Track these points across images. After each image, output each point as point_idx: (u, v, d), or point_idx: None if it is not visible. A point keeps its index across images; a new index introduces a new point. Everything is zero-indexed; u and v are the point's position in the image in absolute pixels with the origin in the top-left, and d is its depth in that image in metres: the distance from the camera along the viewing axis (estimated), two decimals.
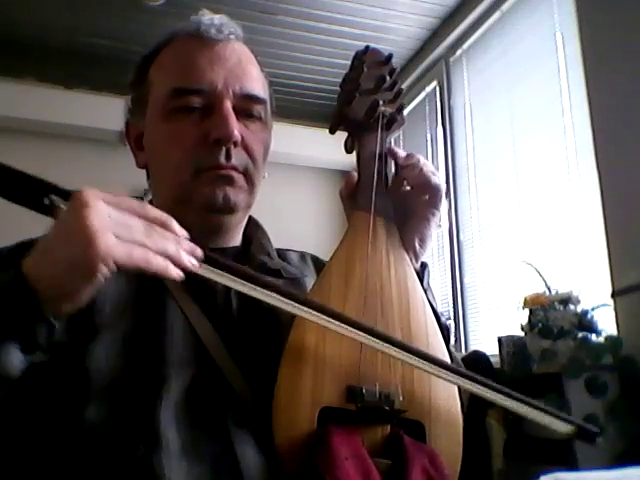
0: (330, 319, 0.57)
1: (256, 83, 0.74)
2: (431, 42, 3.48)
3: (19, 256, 0.64)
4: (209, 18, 0.74)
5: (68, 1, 3.14)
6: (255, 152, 0.72)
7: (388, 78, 0.76)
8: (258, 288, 0.55)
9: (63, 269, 0.48)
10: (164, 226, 0.51)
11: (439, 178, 0.73)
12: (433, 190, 0.72)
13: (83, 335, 0.59)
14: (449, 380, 0.62)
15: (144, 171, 0.79)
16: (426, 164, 0.72)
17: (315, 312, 0.57)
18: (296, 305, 0.56)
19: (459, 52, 3.32)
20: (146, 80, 0.75)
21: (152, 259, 0.49)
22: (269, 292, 0.55)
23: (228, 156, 0.69)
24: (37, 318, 0.49)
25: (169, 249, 0.50)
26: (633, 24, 2.14)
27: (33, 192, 0.52)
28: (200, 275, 0.53)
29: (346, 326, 0.57)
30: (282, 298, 0.56)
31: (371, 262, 0.66)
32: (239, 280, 0.54)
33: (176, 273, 0.51)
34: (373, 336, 0.58)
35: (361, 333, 0.58)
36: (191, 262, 0.52)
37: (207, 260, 0.53)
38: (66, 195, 0.51)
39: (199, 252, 0.53)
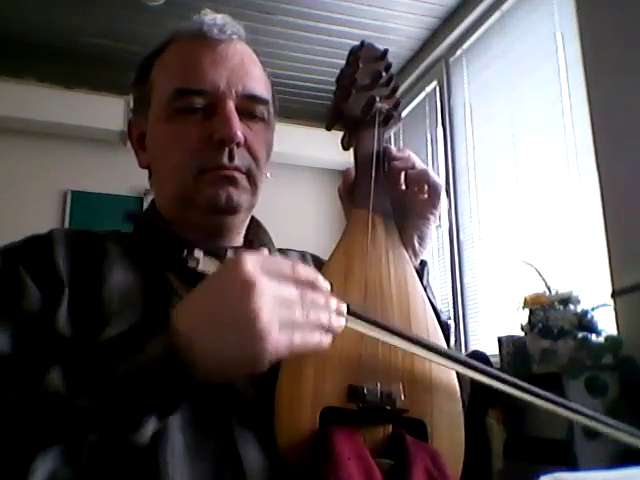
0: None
1: (259, 83, 0.74)
2: (431, 42, 3.48)
3: (33, 252, 0.64)
4: (212, 18, 0.74)
5: (68, 1, 3.14)
6: (258, 153, 0.72)
7: (384, 74, 0.76)
8: (396, 337, 0.58)
9: (228, 360, 0.49)
10: (314, 287, 0.53)
11: (437, 177, 0.73)
12: (432, 189, 0.72)
13: (91, 327, 0.59)
14: (452, 368, 0.63)
15: (144, 171, 0.79)
16: (421, 163, 0.73)
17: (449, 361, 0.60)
18: (432, 355, 0.60)
19: (459, 52, 3.32)
20: (148, 80, 0.75)
21: (309, 340, 0.51)
22: (407, 342, 0.59)
23: (231, 157, 0.69)
24: (189, 395, 0.50)
25: (323, 321, 0.52)
26: (633, 24, 2.14)
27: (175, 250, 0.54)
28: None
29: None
30: (422, 350, 0.59)
31: (370, 260, 0.66)
32: (377, 330, 0.58)
33: (328, 342, 0.53)
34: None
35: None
36: (340, 324, 0.54)
37: (350, 314, 0.56)
38: (208, 251, 0.53)
39: (344, 309, 0.55)
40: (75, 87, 3.69)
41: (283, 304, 0.50)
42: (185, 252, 0.53)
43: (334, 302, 0.54)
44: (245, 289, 0.48)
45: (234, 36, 0.74)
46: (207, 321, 0.49)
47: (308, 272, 0.53)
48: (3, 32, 3.37)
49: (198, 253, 0.53)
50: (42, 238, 0.67)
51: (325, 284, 0.54)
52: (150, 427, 0.49)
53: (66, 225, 3.67)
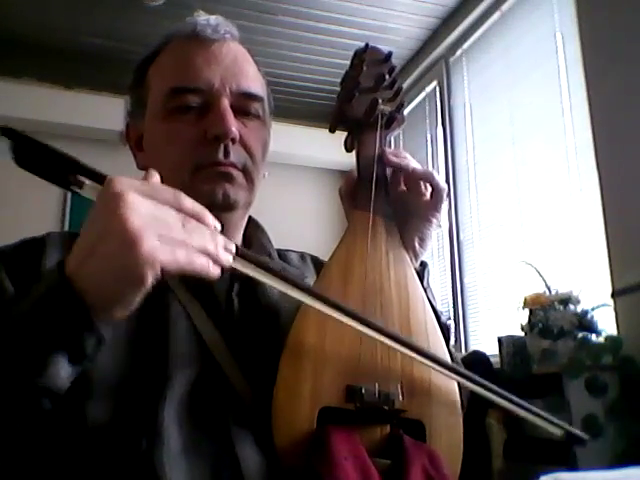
0: (349, 317, 0.58)
1: (253, 81, 0.74)
2: (431, 42, 3.48)
3: (23, 255, 0.65)
4: (205, 19, 0.74)
5: (68, 1, 3.14)
6: (254, 149, 0.73)
7: (387, 76, 0.76)
8: (284, 282, 0.56)
9: (109, 276, 0.47)
10: (199, 219, 0.50)
11: (441, 179, 0.73)
12: (435, 190, 0.72)
13: None
14: (448, 376, 0.62)
15: (144, 172, 0.79)
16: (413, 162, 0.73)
17: (336, 310, 0.57)
18: (318, 301, 0.57)
19: (459, 52, 3.32)
20: (144, 82, 0.75)
21: (195, 259, 0.48)
22: (293, 287, 0.56)
23: (226, 153, 0.69)
24: (86, 328, 0.48)
25: (208, 247, 0.49)
26: (633, 24, 2.14)
27: (56, 166, 0.51)
28: (232, 269, 0.53)
29: (362, 325, 0.58)
30: (305, 293, 0.57)
31: (370, 262, 0.66)
32: (267, 274, 0.55)
33: (216, 272, 0.50)
34: (386, 336, 0.59)
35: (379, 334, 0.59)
36: (228, 259, 0.51)
37: (238, 254, 0.53)
38: (93, 175, 0.50)
39: (232, 246, 0.52)
40: (75, 87, 3.70)
41: (159, 220, 0.47)
42: (70, 177, 0.51)
43: (221, 237, 0.51)
44: (113, 201, 0.46)
45: (227, 35, 0.74)
46: (84, 245, 0.48)
47: (194, 204, 0.51)
48: (3, 32, 3.37)
49: (83, 178, 0.51)
50: (36, 242, 0.67)
51: (214, 222, 0.51)
52: (62, 370, 0.48)
53: (66, 225, 3.68)
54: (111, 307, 0.48)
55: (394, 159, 0.72)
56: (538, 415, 0.65)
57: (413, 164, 0.73)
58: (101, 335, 0.49)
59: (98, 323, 0.48)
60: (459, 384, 0.65)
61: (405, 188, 0.74)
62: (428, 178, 0.72)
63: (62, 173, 0.51)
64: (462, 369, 0.63)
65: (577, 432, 0.66)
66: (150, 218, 0.46)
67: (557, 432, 0.65)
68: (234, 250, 0.52)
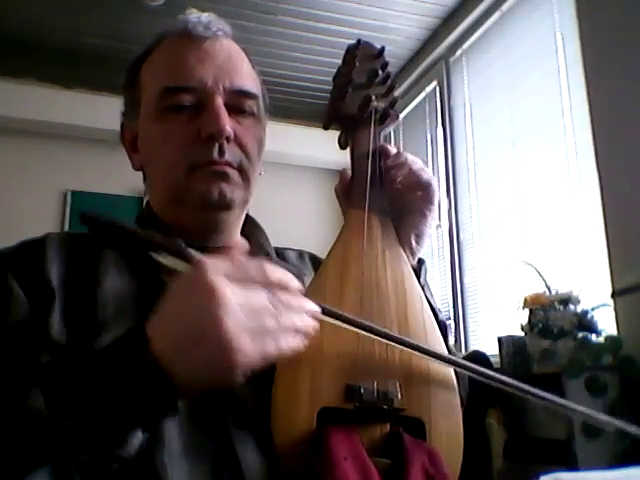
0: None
1: (247, 79, 0.74)
2: (431, 42, 3.48)
3: (25, 258, 0.64)
4: (196, 16, 0.74)
5: (68, 1, 3.14)
6: (249, 147, 0.72)
7: (380, 72, 0.75)
8: (372, 335, 0.58)
9: (201, 374, 0.48)
10: (284, 288, 0.51)
11: (428, 173, 0.72)
12: (424, 187, 0.72)
13: (87, 332, 0.59)
14: (451, 367, 0.63)
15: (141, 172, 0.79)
16: (414, 161, 0.72)
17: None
18: (412, 349, 0.60)
19: (459, 52, 3.32)
20: (138, 82, 0.75)
21: (283, 345, 0.50)
22: (383, 339, 0.58)
23: (221, 152, 0.69)
24: (171, 410, 0.49)
25: (297, 323, 0.51)
26: (633, 24, 2.14)
27: (136, 245, 0.53)
28: None
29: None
30: (396, 344, 0.59)
31: (367, 260, 0.66)
32: (352, 328, 0.57)
33: (303, 344, 0.52)
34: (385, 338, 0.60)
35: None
36: (314, 327, 0.53)
37: (324, 313, 0.55)
38: (173, 252, 0.52)
39: (318, 309, 0.54)
40: (75, 87, 3.70)
41: (251, 311, 0.48)
42: (153, 254, 0.52)
43: (307, 303, 0.53)
44: (208, 300, 0.47)
45: (220, 33, 0.74)
46: (175, 334, 0.49)
47: (278, 273, 0.52)
48: (3, 32, 3.37)
49: (160, 254, 0.53)
50: (35, 243, 0.67)
51: (297, 284, 0.53)
52: (136, 440, 0.49)
53: (66, 225, 3.68)
54: (195, 394, 0.50)
55: (392, 152, 0.71)
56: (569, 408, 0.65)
57: (408, 159, 0.71)
58: (178, 411, 0.50)
59: (179, 402, 0.50)
60: (458, 383, 0.65)
61: (400, 185, 0.73)
62: (417, 174, 0.71)
63: (141, 249, 0.54)
64: (466, 362, 0.62)
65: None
66: (244, 315, 0.48)
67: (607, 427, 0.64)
68: (320, 312, 0.54)
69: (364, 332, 0.58)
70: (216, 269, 0.48)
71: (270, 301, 0.50)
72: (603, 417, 0.63)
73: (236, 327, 0.46)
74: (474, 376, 0.61)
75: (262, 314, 0.49)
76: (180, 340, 0.48)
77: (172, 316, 0.49)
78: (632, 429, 0.62)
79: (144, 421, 0.49)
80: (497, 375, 0.61)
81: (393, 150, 0.73)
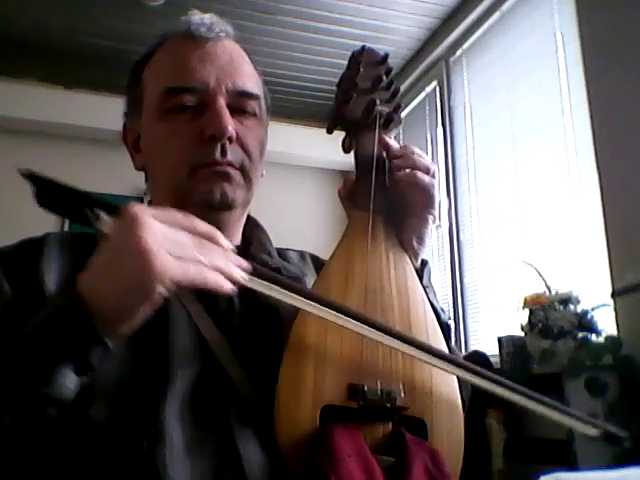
0: (369, 327, 0.58)
1: (249, 79, 0.74)
2: (431, 42, 3.48)
3: (22, 256, 0.65)
4: (199, 18, 0.74)
5: (68, 1, 3.14)
6: (251, 148, 0.72)
7: (384, 78, 0.76)
8: (301, 298, 0.57)
9: (120, 290, 0.49)
10: (212, 240, 0.52)
11: (428, 178, 0.71)
12: (422, 189, 0.71)
13: None
14: (456, 374, 0.62)
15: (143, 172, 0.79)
16: (421, 156, 0.72)
17: (355, 321, 0.58)
18: (336, 315, 0.58)
19: (459, 52, 3.32)
20: (140, 83, 0.75)
21: (207, 274, 0.50)
22: (311, 302, 0.57)
23: (223, 152, 0.69)
24: (92, 340, 0.49)
25: (220, 264, 0.51)
26: (633, 24, 2.14)
27: (75, 204, 0.53)
28: (248, 287, 0.54)
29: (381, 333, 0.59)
30: (322, 307, 0.58)
31: (371, 261, 0.66)
32: (283, 291, 0.56)
33: (229, 287, 0.52)
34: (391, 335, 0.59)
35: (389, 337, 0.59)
36: (241, 276, 0.53)
37: (254, 272, 0.54)
38: (110, 209, 0.52)
39: (246, 264, 0.54)
40: (75, 87, 3.70)
41: (175, 242, 0.49)
42: (88, 211, 0.53)
43: (234, 256, 0.53)
44: (130, 223, 0.48)
45: (222, 34, 0.74)
46: (99, 265, 0.51)
47: (208, 227, 0.53)
48: (3, 32, 3.37)
49: (101, 212, 0.53)
50: (35, 242, 0.67)
51: (226, 242, 0.53)
52: (68, 380, 0.49)
53: (66, 226, 3.68)
54: (119, 321, 0.50)
55: (401, 162, 0.71)
56: (569, 414, 0.64)
57: (419, 161, 0.71)
58: (107, 347, 0.50)
59: (105, 336, 0.49)
60: (459, 382, 0.66)
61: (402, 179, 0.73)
62: (411, 178, 0.70)
63: (81, 210, 0.54)
64: (469, 364, 0.62)
65: (613, 430, 0.65)
66: (164, 238, 0.49)
67: (592, 432, 0.65)
68: (248, 267, 0.54)
69: (295, 296, 0.56)
70: (143, 208, 0.50)
71: (193, 242, 0.51)
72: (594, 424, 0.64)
73: (156, 242, 0.48)
74: (468, 376, 0.61)
75: (184, 246, 0.50)
76: (101, 265, 0.50)
77: (100, 252, 0.51)
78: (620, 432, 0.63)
79: (70, 356, 0.49)
80: (494, 376, 0.61)
81: (396, 144, 0.73)
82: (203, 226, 0.52)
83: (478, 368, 0.62)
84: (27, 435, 0.49)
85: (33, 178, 0.53)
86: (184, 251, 0.49)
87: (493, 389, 0.61)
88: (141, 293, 0.48)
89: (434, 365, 0.61)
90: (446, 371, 0.63)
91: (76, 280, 0.51)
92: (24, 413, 0.48)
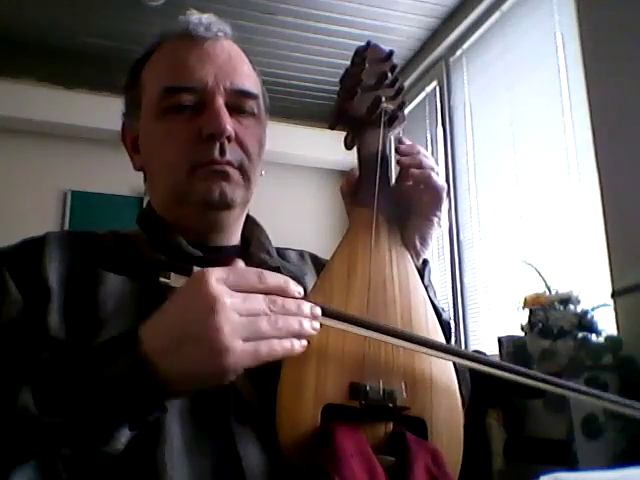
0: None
1: (247, 79, 0.74)
2: (431, 42, 3.48)
3: (23, 256, 0.65)
4: (197, 17, 0.74)
5: (68, 1, 3.14)
6: (249, 147, 0.72)
7: (389, 75, 0.76)
8: (374, 333, 0.58)
9: (192, 374, 0.49)
10: (283, 292, 0.53)
11: (441, 179, 0.72)
12: (434, 190, 0.71)
13: (86, 331, 0.59)
14: (459, 362, 0.63)
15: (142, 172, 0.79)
16: (427, 156, 0.72)
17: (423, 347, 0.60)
18: (416, 346, 0.59)
19: (459, 52, 3.33)
20: (139, 83, 0.75)
21: (277, 348, 0.51)
22: (386, 336, 0.58)
23: (222, 151, 0.69)
24: (158, 408, 0.50)
25: (294, 327, 0.52)
26: (633, 24, 2.14)
27: (146, 270, 0.54)
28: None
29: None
30: (399, 341, 0.59)
31: (373, 259, 0.66)
32: (354, 327, 0.57)
33: (301, 347, 0.53)
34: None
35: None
36: (313, 327, 0.54)
37: (324, 314, 0.55)
38: (178, 270, 0.53)
39: (318, 311, 0.54)
40: (75, 87, 3.69)
41: (248, 316, 0.50)
42: (159, 274, 0.53)
43: (307, 306, 0.54)
44: (207, 305, 0.48)
45: (220, 34, 0.74)
46: (170, 336, 0.50)
47: (277, 279, 0.53)
48: (3, 32, 3.37)
49: (166, 274, 0.54)
50: (35, 242, 0.67)
51: (297, 288, 0.54)
52: (123, 437, 0.49)
53: (66, 225, 3.68)
54: (183, 394, 0.52)
55: (407, 160, 0.71)
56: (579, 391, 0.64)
57: (425, 160, 0.71)
58: (166, 409, 0.51)
59: (167, 401, 0.51)
60: (459, 380, 0.65)
61: (408, 186, 0.73)
62: (426, 179, 0.71)
63: (147, 272, 0.55)
64: (473, 354, 0.62)
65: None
66: (240, 320, 0.49)
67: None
68: (320, 312, 0.55)
69: (367, 332, 0.58)
70: (217, 277, 0.50)
71: (267, 306, 0.51)
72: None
73: (232, 333, 0.48)
74: (475, 366, 0.61)
75: (258, 319, 0.50)
76: (173, 340, 0.49)
77: (169, 318, 0.50)
78: None
79: (130, 418, 0.49)
80: (500, 362, 0.61)
81: (406, 141, 0.73)
82: (274, 281, 0.53)
83: (482, 356, 0.61)
84: None
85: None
86: (258, 330, 0.50)
87: (498, 373, 0.61)
88: (210, 380, 0.50)
89: (440, 357, 0.61)
90: (452, 361, 0.63)
91: (138, 337, 0.50)
92: (80, 464, 0.48)
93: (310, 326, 0.53)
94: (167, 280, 0.53)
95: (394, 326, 0.62)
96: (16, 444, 0.47)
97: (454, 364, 0.67)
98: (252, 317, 0.50)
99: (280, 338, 0.51)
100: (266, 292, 0.52)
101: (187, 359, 0.48)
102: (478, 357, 0.61)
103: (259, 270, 0.53)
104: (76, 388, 0.49)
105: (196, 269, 0.52)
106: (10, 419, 0.47)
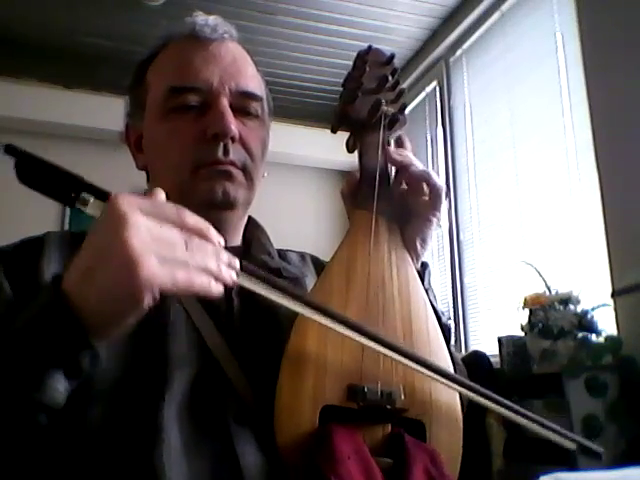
0: (359, 333, 0.58)
1: (251, 81, 0.74)
2: (431, 42, 3.48)
3: (22, 255, 0.65)
4: (203, 19, 0.75)
5: (68, 1, 3.14)
6: (253, 148, 0.73)
7: (390, 78, 0.76)
8: (290, 299, 0.55)
9: (107, 296, 0.47)
10: (202, 235, 0.50)
11: (438, 178, 0.72)
12: (432, 190, 0.72)
13: None
14: (450, 387, 0.62)
15: (144, 172, 0.80)
16: (414, 160, 0.73)
17: (342, 325, 0.57)
18: (324, 317, 0.57)
19: (459, 52, 3.33)
20: (144, 82, 0.76)
21: (195, 280, 0.48)
22: (300, 303, 0.56)
23: (226, 151, 0.70)
24: (82, 345, 0.48)
25: (210, 265, 0.49)
26: (633, 24, 2.14)
27: (62, 185, 0.51)
28: (236, 286, 0.53)
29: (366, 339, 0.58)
30: (312, 310, 0.56)
31: (373, 261, 0.66)
32: (272, 289, 0.55)
33: (217, 290, 0.49)
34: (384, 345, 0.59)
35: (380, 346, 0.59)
36: (231, 276, 0.51)
37: (243, 270, 0.53)
38: (96, 192, 0.51)
39: (236, 263, 0.52)
40: (75, 87, 3.69)
41: (161, 241, 0.47)
42: (74, 194, 0.51)
43: (225, 254, 0.51)
44: (115, 221, 0.46)
45: (226, 35, 0.75)
46: (82, 264, 0.48)
47: (198, 220, 0.50)
48: (3, 32, 3.37)
49: (87, 195, 0.51)
50: (35, 242, 0.67)
51: (217, 237, 0.51)
52: (59, 384, 0.48)
53: (66, 226, 3.68)
54: (107, 326, 0.48)
55: (397, 157, 0.72)
56: (549, 428, 0.64)
57: (414, 163, 0.72)
58: (97, 352, 0.48)
59: (94, 340, 0.48)
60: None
61: (406, 188, 0.74)
62: (425, 178, 0.71)
63: (66, 190, 0.52)
64: (464, 380, 0.62)
65: (591, 445, 0.65)
66: (152, 239, 0.46)
67: (571, 446, 0.64)
68: (238, 266, 0.52)
69: (284, 296, 0.55)
70: (129, 199, 0.48)
71: (183, 239, 0.48)
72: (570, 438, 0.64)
73: (142, 247, 0.45)
74: (469, 393, 0.61)
75: (173, 245, 0.47)
76: (84, 266, 0.48)
77: (83, 250, 0.49)
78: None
79: (59, 361, 0.47)
80: (485, 391, 0.61)
81: (409, 145, 0.74)
82: (193, 220, 0.50)
83: (472, 384, 0.62)
84: (20, 441, 0.48)
85: (13, 151, 0.52)
86: (173, 253, 0.47)
87: (485, 404, 0.61)
88: (127, 301, 0.46)
89: (433, 379, 0.61)
90: (445, 385, 0.62)
91: (61, 277, 0.49)
92: (15, 419, 0.47)
93: (228, 274, 0.50)
94: (83, 207, 0.51)
95: (395, 332, 0.62)
96: None
97: (453, 364, 0.67)
98: (166, 242, 0.47)
99: (197, 271, 0.48)
100: (183, 227, 0.49)
101: (100, 282, 0.46)
102: (466, 383, 0.61)
103: (178, 206, 0.50)
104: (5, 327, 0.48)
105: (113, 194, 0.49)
106: None
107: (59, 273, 0.50)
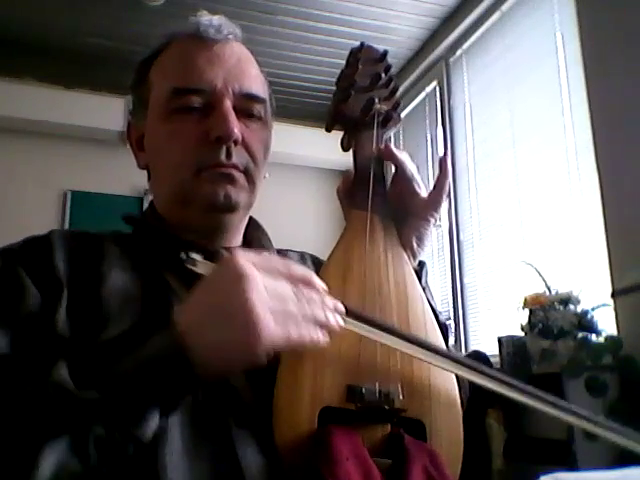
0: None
1: (255, 83, 0.74)
2: (431, 42, 3.48)
3: (32, 253, 0.64)
4: (208, 19, 0.74)
5: (68, 1, 3.14)
6: (256, 151, 0.72)
7: (383, 75, 0.76)
8: (399, 340, 0.59)
9: (223, 349, 0.50)
10: (308, 284, 0.54)
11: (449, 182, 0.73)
12: (439, 191, 0.72)
13: (90, 328, 0.59)
14: (460, 373, 0.63)
15: (144, 171, 0.79)
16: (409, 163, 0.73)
17: (454, 363, 0.60)
18: (439, 358, 0.60)
19: (459, 52, 3.33)
20: (146, 81, 0.75)
21: (305, 333, 0.51)
22: (411, 345, 0.59)
23: (229, 154, 0.69)
24: (191, 390, 0.50)
25: (319, 316, 0.53)
26: (633, 24, 2.14)
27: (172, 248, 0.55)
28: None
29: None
30: (423, 350, 0.59)
31: (369, 261, 0.66)
32: (379, 332, 0.58)
33: (325, 340, 0.53)
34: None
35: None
36: (337, 322, 0.54)
37: (348, 314, 0.56)
38: (205, 252, 0.54)
39: (341, 307, 0.55)
40: (75, 87, 3.70)
41: (276, 296, 0.51)
42: (183, 254, 0.54)
43: (329, 300, 0.54)
44: (237, 281, 0.49)
45: (230, 36, 0.74)
46: (203, 315, 0.51)
47: (303, 270, 0.54)
48: (3, 32, 3.37)
49: (196, 255, 0.54)
50: (41, 239, 0.67)
51: (321, 283, 0.55)
52: (153, 423, 0.49)
53: (66, 225, 3.68)
54: (214, 374, 0.51)
55: (394, 151, 0.72)
56: (568, 410, 0.64)
57: (409, 160, 0.72)
58: (198, 391, 0.52)
59: (198, 383, 0.51)
60: (458, 382, 0.65)
61: (404, 186, 0.74)
62: (417, 180, 0.72)
63: (175, 252, 0.56)
64: (485, 367, 0.62)
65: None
66: (269, 295, 0.50)
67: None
68: (343, 309, 0.55)
69: (389, 336, 0.58)
70: (246, 257, 0.51)
71: (293, 292, 0.52)
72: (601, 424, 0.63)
73: (262, 306, 0.49)
74: (476, 379, 0.61)
75: (286, 300, 0.51)
76: (206, 315, 0.50)
77: (201, 298, 0.52)
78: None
79: (163, 399, 0.49)
80: (499, 375, 0.61)
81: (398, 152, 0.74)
82: (300, 271, 0.54)
83: (484, 367, 0.61)
84: (106, 467, 0.49)
85: (131, 220, 0.57)
86: (285, 306, 0.51)
87: (496, 388, 0.61)
88: (242, 355, 0.50)
89: (435, 364, 0.61)
90: (450, 371, 0.63)
91: (173, 320, 0.51)
92: (109, 445, 0.48)
93: (334, 320, 0.54)
94: (193, 267, 0.54)
95: (419, 336, 0.63)
96: (49, 418, 0.47)
97: None
98: (281, 297, 0.51)
99: (307, 324, 0.52)
100: (291, 279, 0.53)
101: (221, 334, 0.49)
102: (483, 369, 0.61)
103: (285, 259, 0.54)
104: (112, 365, 0.49)
105: (225, 253, 0.53)
106: (44, 392, 0.47)
107: (175, 319, 0.52)
